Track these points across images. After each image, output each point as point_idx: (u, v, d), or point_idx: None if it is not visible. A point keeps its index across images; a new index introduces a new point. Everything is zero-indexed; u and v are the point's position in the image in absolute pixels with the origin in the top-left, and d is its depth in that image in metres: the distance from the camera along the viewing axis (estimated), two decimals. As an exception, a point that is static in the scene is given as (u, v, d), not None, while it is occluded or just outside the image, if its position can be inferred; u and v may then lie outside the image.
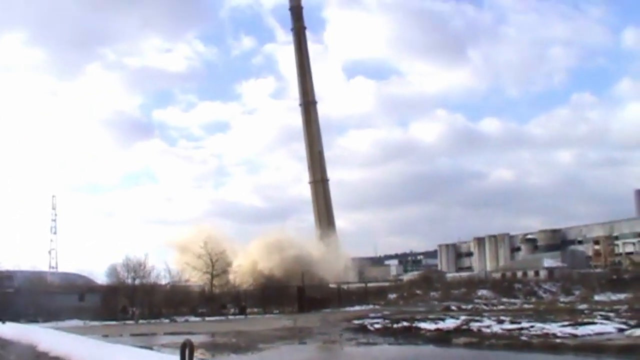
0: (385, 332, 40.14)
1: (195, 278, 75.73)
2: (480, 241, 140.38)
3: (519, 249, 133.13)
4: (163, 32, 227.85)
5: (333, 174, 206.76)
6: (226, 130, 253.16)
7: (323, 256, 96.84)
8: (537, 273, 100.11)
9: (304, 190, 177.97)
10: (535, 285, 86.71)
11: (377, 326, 43.30)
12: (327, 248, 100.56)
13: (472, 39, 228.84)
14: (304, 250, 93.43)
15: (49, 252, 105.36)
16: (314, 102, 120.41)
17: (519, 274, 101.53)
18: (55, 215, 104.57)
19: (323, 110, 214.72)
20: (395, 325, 42.31)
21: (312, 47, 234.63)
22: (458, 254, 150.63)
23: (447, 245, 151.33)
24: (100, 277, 78.06)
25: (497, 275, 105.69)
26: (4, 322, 31.10)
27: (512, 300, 74.23)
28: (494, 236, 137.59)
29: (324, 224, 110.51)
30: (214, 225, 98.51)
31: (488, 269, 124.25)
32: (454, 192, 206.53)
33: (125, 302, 70.28)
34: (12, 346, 18.39)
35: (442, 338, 35.28)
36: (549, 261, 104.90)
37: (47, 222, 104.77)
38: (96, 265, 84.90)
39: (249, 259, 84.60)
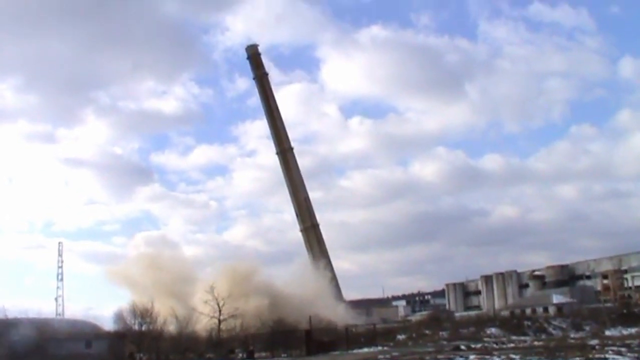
0: (395, 374, 39.76)
1: (203, 323, 75.28)
2: (487, 279, 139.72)
3: (527, 285, 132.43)
4: (157, 74, 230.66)
5: (334, 215, 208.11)
6: (225, 174, 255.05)
7: (325, 299, 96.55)
8: (546, 309, 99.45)
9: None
10: (545, 321, 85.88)
11: (386, 367, 42.90)
12: (326, 291, 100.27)
13: (468, 73, 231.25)
14: (307, 294, 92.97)
15: (56, 299, 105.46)
16: (291, 149, 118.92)
17: (528, 311, 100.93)
18: (62, 262, 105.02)
19: (321, 150, 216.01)
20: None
21: (307, 87, 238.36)
22: (466, 292, 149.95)
23: (454, 285, 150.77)
24: (107, 324, 77.80)
25: (506, 313, 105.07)
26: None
27: (522, 338, 73.38)
28: (502, 274, 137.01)
29: (321, 269, 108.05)
30: (218, 269, 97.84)
31: (496, 307, 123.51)
32: (459, 230, 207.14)
33: (133, 348, 69.89)
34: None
35: (453, 378, 34.93)
36: (558, 297, 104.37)
37: (53, 269, 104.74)
38: (102, 312, 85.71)
39: (253, 303, 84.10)
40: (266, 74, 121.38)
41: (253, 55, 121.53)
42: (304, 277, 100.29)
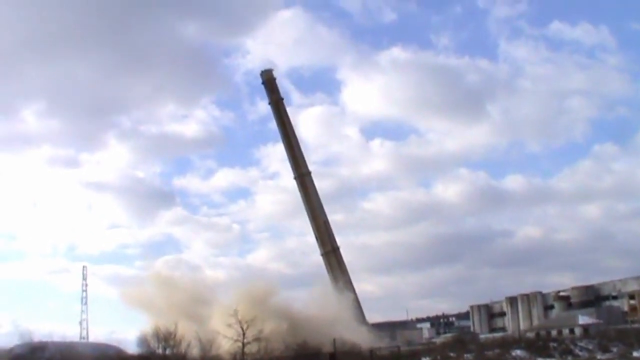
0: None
1: (226, 346, 75.13)
2: (512, 301, 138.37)
3: (552, 306, 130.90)
4: (178, 98, 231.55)
5: (356, 238, 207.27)
6: (247, 197, 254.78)
7: (348, 322, 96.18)
8: (572, 331, 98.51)
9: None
10: (571, 343, 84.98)
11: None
12: (349, 313, 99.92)
13: (490, 93, 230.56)
14: (329, 316, 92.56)
15: (80, 323, 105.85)
16: (309, 173, 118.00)
17: (554, 332, 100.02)
18: (86, 285, 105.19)
19: (343, 172, 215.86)
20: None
21: (328, 109, 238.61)
22: (490, 314, 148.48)
23: (479, 306, 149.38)
24: (131, 347, 78.03)
25: (531, 334, 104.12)
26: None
27: (548, 360, 72.83)
28: (527, 295, 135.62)
29: (344, 291, 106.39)
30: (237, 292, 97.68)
31: (522, 328, 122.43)
32: (482, 252, 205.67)
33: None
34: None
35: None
36: (584, 318, 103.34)
37: (76, 293, 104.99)
38: (126, 335, 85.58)
39: (273, 325, 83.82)
40: (281, 99, 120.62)
41: (268, 80, 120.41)
42: (327, 299, 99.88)
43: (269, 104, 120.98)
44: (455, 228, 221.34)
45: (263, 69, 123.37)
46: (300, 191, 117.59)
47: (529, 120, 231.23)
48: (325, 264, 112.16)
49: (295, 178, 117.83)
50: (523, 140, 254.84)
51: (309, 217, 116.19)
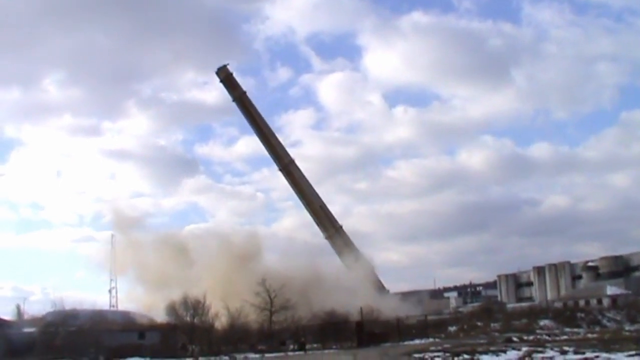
0: (447, 366, 39.58)
1: (254, 315, 75.63)
2: (540, 270, 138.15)
3: (580, 277, 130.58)
4: (198, 64, 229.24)
5: (382, 207, 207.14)
6: (270, 165, 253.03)
7: (374, 291, 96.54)
8: (600, 301, 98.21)
9: (355, 223, 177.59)
10: (599, 313, 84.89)
11: (438, 359, 42.76)
12: (374, 283, 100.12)
13: (514, 58, 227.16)
14: (355, 285, 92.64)
15: (109, 291, 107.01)
16: (291, 161, 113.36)
17: (582, 302, 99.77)
18: (114, 254, 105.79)
19: (366, 140, 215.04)
20: (456, 358, 41.76)
21: (350, 76, 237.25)
22: (518, 284, 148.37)
23: (506, 276, 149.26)
24: (159, 315, 78.77)
25: (559, 304, 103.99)
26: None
27: (575, 330, 72.65)
28: (554, 265, 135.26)
29: (364, 261, 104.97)
30: (270, 261, 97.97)
31: (549, 298, 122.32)
32: (509, 221, 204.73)
33: (185, 339, 70.70)
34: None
35: (505, 370, 34.68)
36: (612, 289, 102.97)
37: (105, 262, 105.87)
38: (154, 303, 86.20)
39: (305, 295, 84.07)
40: (244, 93, 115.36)
41: (226, 77, 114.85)
42: (353, 268, 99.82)
43: (233, 101, 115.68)
44: (481, 196, 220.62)
45: (217, 67, 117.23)
46: (288, 181, 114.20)
47: (554, 86, 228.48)
48: (332, 246, 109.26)
49: (280, 170, 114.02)
50: (549, 106, 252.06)
51: (303, 205, 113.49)
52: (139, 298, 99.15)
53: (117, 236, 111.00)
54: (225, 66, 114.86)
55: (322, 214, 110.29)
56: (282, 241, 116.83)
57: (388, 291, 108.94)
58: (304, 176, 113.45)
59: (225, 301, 74.18)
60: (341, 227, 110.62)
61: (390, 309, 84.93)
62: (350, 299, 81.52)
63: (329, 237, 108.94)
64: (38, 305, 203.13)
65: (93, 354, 60.58)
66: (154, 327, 73.45)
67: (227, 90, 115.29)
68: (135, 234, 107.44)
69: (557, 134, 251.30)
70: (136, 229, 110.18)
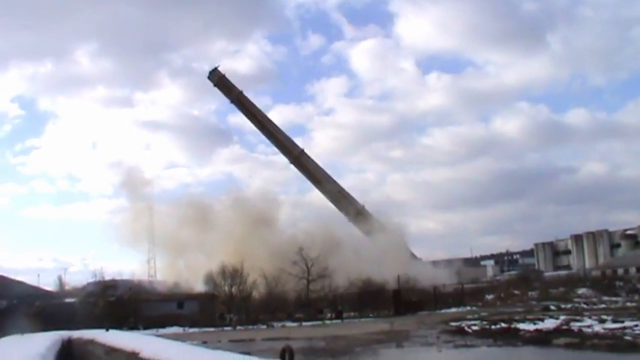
0: (483, 334, 39.68)
1: (291, 284, 76.16)
2: (577, 238, 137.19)
3: (618, 245, 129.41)
4: (228, 33, 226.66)
5: (417, 175, 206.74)
6: (304, 133, 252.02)
7: (410, 259, 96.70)
8: (638, 270, 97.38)
9: (390, 192, 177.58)
10: (638, 282, 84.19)
11: (474, 328, 42.89)
12: (409, 251, 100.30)
13: (549, 23, 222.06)
14: (391, 253, 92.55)
15: (148, 262, 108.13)
16: (301, 152, 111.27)
17: (620, 271, 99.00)
18: (153, 224, 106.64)
19: (399, 107, 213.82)
20: (493, 327, 41.87)
21: (382, 42, 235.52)
22: (555, 252, 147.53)
23: (543, 244, 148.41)
24: (198, 285, 79.65)
25: (597, 273, 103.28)
26: (107, 330, 32.12)
27: (614, 299, 72.15)
28: (592, 233, 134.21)
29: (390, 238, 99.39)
30: (305, 230, 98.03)
31: (587, 266, 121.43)
32: (546, 188, 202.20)
33: (223, 308, 71.58)
34: (116, 353, 18.99)
35: (542, 339, 34.71)
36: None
37: (142, 232, 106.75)
38: (193, 273, 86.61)
39: (342, 263, 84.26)
40: (241, 92, 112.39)
41: (219, 79, 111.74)
42: (388, 237, 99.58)
43: (231, 102, 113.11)
44: (517, 164, 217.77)
45: (208, 71, 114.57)
46: (301, 172, 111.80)
47: (591, 51, 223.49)
48: (357, 227, 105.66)
49: (291, 163, 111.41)
50: (585, 72, 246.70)
51: (322, 192, 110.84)
52: (177, 268, 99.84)
53: (130, 200, 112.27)
54: (216, 69, 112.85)
55: (342, 198, 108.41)
56: (317, 209, 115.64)
57: (420, 259, 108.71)
58: (317, 165, 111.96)
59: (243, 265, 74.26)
60: (363, 207, 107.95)
61: (426, 278, 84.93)
62: (385, 268, 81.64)
63: (354, 219, 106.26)
64: (78, 276, 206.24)
65: (132, 324, 61.59)
66: (192, 296, 74.36)
67: (223, 93, 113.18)
68: (148, 198, 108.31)
69: (593, 100, 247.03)
70: (148, 192, 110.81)
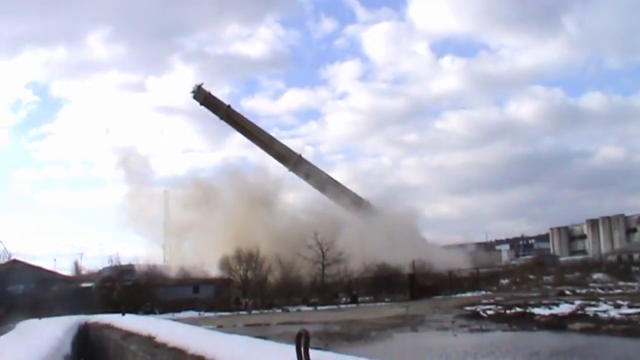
0: (499, 319, 39.76)
1: (307, 268, 76.31)
2: (593, 223, 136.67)
3: (634, 230, 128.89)
4: (241, 17, 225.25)
5: (431, 159, 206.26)
6: (318, 118, 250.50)
7: (425, 244, 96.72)
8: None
9: (404, 176, 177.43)
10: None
11: (489, 312, 42.94)
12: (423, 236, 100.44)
13: (564, 4, 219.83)
14: (405, 238, 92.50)
15: (163, 247, 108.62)
16: (299, 158, 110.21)
17: (636, 256, 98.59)
18: (168, 209, 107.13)
19: (413, 91, 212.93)
20: (508, 311, 41.88)
21: (396, 26, 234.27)
22: (571, 237, 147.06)
23: (559, 229, 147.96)
24: (213, 270, 79.95)
25: (613, 258, 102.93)
26: (124, 314, 32.32)
27: (630, 284, 71.83)
28: (608, 217, 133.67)
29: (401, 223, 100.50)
30: (320, 214, 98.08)
31: (603, 251, 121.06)
32: (561, 173, 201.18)
33: (238, 293, 71.95)
34: (132, 337, 19.09)
35: (557, 324, 34.72)
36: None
37: (157, 218, 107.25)
38: (208, 258, 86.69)
39: (357, 248, 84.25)
40: (229, 107, 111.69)
41: (205, 99, 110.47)
42: (402, 221, 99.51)
43: (221, 119, 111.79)
44: (532, 148, 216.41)
45: (191, 90, 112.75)
46: (302, 178, 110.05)
47: (607, 33, 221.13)
48: (364, 220, 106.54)
49: (290, 170, 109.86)
50: (601, 55, 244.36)
51: (324, 193, 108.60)
52: (182, 251, 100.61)
53: (129, 182, 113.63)
54: (200, 87, 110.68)
55: (346, 197, 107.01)
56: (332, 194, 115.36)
57: (433, 244, 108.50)
58: (316, 168, 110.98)
59: (241, 245, 74.43)
60: (368, 202, 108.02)
61: (441, 262, 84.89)
62: (399, 253, 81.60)
63: (359, 216, 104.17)
64: (94, 260, 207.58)
65: (149, 308, 62.05)
66: (208, 281, 74.80)
67: (211, 110, 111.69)
68: (152, 181, 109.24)
69: (610, 83, 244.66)
70: (145, 173, 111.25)
